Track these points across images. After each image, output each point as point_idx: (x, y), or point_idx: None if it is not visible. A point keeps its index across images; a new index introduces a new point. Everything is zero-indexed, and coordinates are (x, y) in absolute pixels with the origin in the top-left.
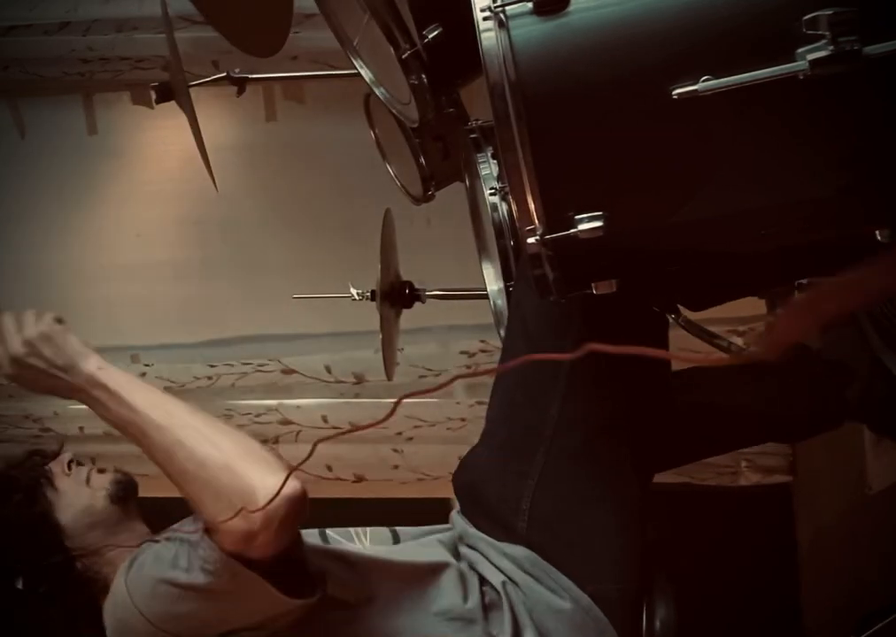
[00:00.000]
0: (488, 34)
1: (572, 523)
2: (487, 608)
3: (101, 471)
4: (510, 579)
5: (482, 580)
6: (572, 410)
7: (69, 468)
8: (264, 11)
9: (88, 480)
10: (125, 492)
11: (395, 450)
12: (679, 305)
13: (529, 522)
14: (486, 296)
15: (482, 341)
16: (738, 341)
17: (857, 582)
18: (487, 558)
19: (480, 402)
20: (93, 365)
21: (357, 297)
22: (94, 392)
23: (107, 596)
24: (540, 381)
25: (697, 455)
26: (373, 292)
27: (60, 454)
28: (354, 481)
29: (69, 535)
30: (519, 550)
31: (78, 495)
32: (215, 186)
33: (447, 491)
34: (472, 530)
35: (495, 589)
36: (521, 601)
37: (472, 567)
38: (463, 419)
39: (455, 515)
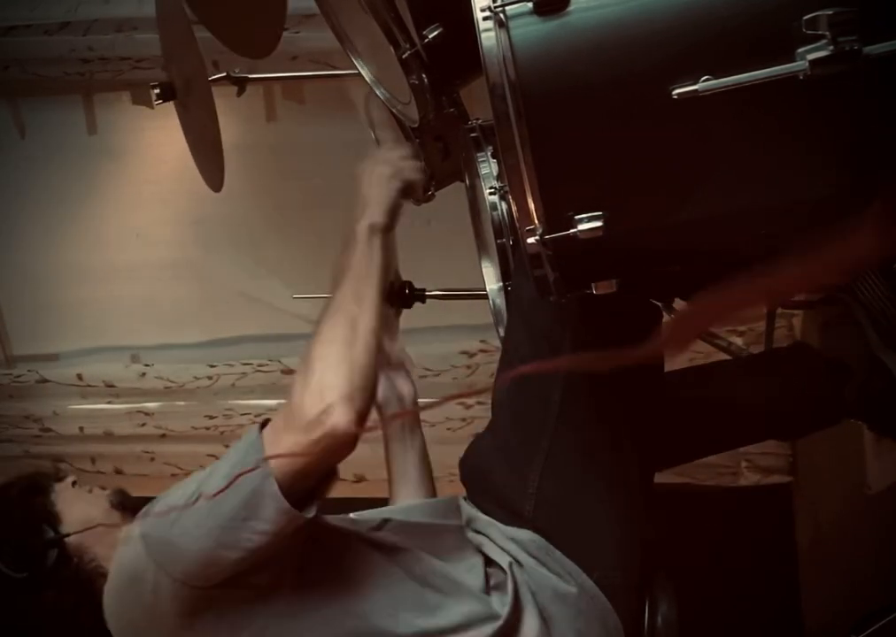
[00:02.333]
0: (488, 34)
1: (577, 507)
2: (490, 587)
3: (103, 488)
4: (516, 560)
5: (489, 562)
6: (574, 396)
7: (73, 486)
8: (257, 12)
9: (90, 491)
10: (124, 500)
11: None
12: (677, 298)
13: (536, 506)
14: (486, 296)
15: (482, 341)
16: (738, 341)
17: (857, 582)
18: (493, 541)
19: (480, 403)
20: (368, 222)
21: None
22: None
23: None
24: None
25: (698, 453)
26: None
27: (65, 478)
28: (354, 481)
29: (66, 525)
30: (525, 534)
31: (79, 498)
32: (219, 186)
33: (447, 491)
34: (479, 515)
35: (502, 570)
36: (526, 582)
37: (478, 550)
38: (463, 420)
39: (461, 501)
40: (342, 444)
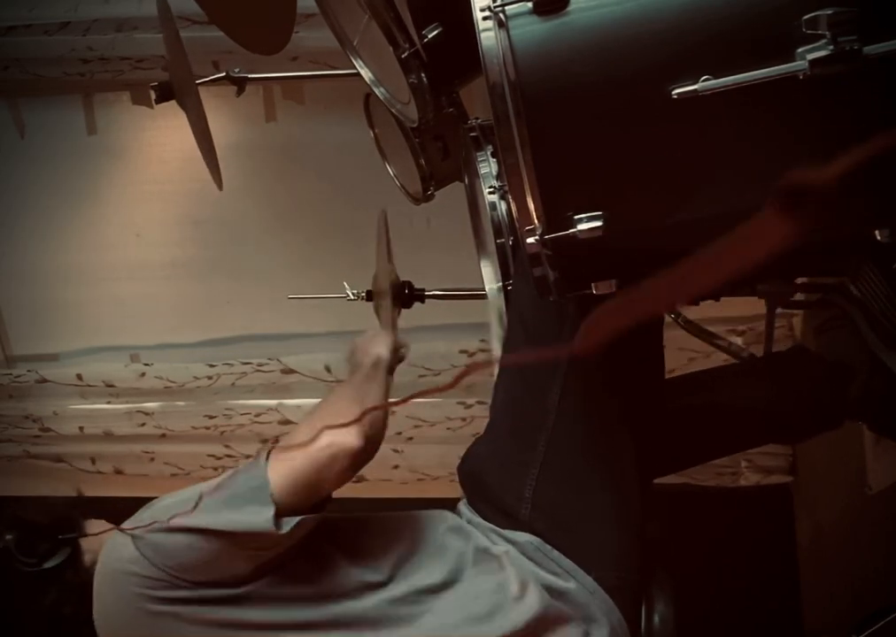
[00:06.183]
0: (488, 34)
1: (573, 511)
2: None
3: None
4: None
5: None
6: (571, 401)
7: None
8: (267, 9)
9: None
10: None
11: (395, 450)
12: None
13: (532, 510)
14: (485, 296)
15: (482, 341)
16: (738, 340)
17: (857, 582)
18: (493, 544)
19: (480, 402)
20: (376, 354)
21: (352, 297)
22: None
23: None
24: (539, 373)
25: (700, 457)
26: (368, 292)
27: None
28: (354, 481)
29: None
30: (521, 536)
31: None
32: (220, 184)
33: (447, 491)
34: (477, 518)
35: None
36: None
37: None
38: (463, 419)
39: (461, 504)
40: (347, 453)
